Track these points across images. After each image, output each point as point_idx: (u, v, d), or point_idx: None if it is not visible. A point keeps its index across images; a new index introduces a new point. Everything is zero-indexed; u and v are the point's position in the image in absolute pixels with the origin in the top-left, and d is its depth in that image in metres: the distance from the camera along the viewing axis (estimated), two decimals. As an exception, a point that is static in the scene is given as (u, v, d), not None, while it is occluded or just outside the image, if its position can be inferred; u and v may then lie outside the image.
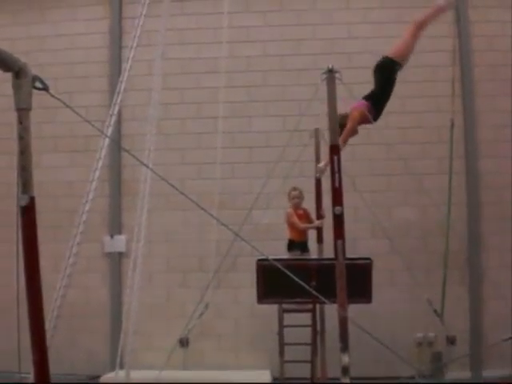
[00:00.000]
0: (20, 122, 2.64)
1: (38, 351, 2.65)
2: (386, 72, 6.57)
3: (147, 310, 8.69)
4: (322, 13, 10.13)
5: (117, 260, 9.86)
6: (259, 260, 7.41)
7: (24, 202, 2.62)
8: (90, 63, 10.37)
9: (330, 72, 5.24)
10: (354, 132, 6.40)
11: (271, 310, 8.41)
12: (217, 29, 9.06)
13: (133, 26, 9.81)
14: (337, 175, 5.00)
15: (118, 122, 9.11)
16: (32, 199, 2.63)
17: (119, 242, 9.90)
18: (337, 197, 5.08)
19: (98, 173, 3.97)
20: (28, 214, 2.63)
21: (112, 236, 9.91)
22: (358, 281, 6.72)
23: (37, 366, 2.66)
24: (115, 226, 9.96)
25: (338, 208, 5.09)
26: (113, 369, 9.45)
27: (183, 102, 9.96)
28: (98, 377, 9.00)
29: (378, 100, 6.47)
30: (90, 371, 9.64)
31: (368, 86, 9.44)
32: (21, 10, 10.61)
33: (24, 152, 2.64)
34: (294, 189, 8.13)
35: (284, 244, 7.97)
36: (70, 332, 8.80)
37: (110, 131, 3.77)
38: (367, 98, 6.48)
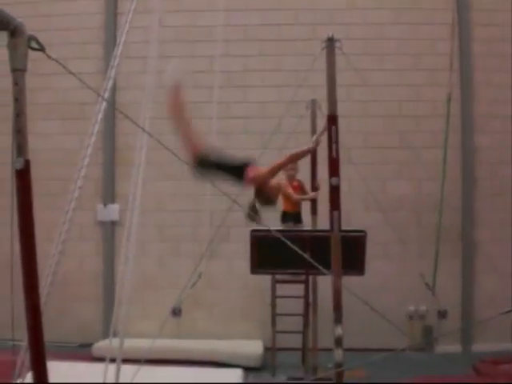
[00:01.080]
0: (15, 84, 2.57)
1: (33, 317, 2.63)
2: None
3: (140, 280, 8.68)
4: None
5: (110, 229, 9.83)
6: (253, 230, 7.42)
7: (19, 165, 2.57)
8: (85, 29, 10.21)
9: (330, 41, 5.16)
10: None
11: (264, 280, 8.45)
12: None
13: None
14: (334, 146, 4.96)
15: (113, 90, 9.01)
16: (27, 162, 2.58)
17: (112, 211, 9.86)
18: (334, 167, 5.05)
19: (93, 138, 3.90)
20: (23, 178, 2.58)
21: (105, 205, 9.87)
22: (351, 253, 6.73)
23: (31, 332, 2.64)
24: (108, 195, 9.91)
25: (334, 179, 5.07)
26: (105, 337, 9.49)
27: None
28: (91, 345, 9.02)
29: None
30: (82, 339, 9.67)
31: (366, 57, 9.45)
32: (14, -27, 10.40)
33: (19, 114, 2.58)
34: (287, 160, 8.08)
35: (278, 215, 7.95)
36: (62, 300, 8.80)
37: (106, 95, 3.69)
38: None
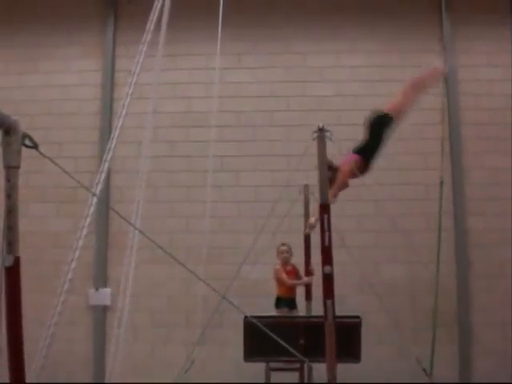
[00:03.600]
0: (8, 180, 2.60)
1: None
2: (381, 127, 6.50)
3: (131, 365, 8.49)
4: (312, 70, 10.28)
5: (101, 313, 9.67)
6: (246, 317, 7.31)
7: (8, 262, 2.55)
8: (82, 114, 10.40)
9: (321, 131, 5.26)
10: (344, 186, 6.29)
11: (258, 367, 8.25)
12: (208, 84, 9.18)
13: (125, 79, 10.05)
14: (327, 234, 4.96)
15: (108, 173, 9.09)
16: (17, 259, 2.57)
17: (104, 295, 9.73)
18: (327, 256, 5.03)
19: (85, 230, 3.90)
20: (12, 275, 2.57)
21: (97, 289, 9.75)
22: (346, 339, 6.62)
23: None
24: (100, 279, 9.81)
25: (327, 267, 5.05)
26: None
27: (173, 155, 9.98)
28: None
29: (369, 154, 6.34)
30: None
31: (356, 142, 9.59)
32: (14, 59, 10.69)
33: (11, 211, 2.59)
34: (283, 244, 8.11)
35: (273, 300, 7.88)
36: (51, 386, 8.55)
37: (98, 189, 3.71)
38: (358, 151, 6.33)
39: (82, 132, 10.33)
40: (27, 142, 2.59)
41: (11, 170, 2.58)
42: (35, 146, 2.61)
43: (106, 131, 10.07)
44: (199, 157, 9.35)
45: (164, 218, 9.65)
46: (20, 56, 10.70)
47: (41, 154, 2.63)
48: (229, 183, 9.82)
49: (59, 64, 10.65)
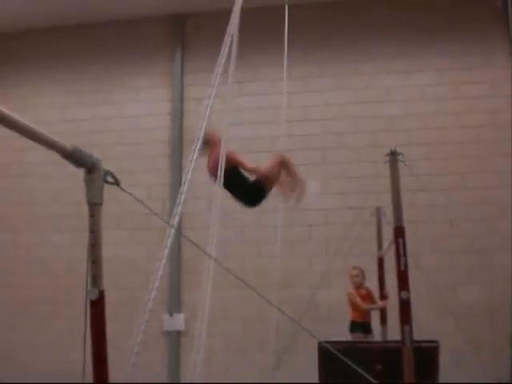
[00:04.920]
0: (91, 216, 2.67)
1: None
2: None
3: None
4: (380, 90, 10.20)
5: (175, 338, 9.77)
6: (321, 342, 7.24)
7: (93, 296, 2.62)
8: (152, 143, 10.65)
9: (393, 154, 5.20)
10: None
11: (333, 392, 8.15)
12: (275, 108, 9.23)
13: (194, 106, 10.24)
14: (402, 258, 4.88)
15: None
16: (101, 293, 2.64)
17: (178, 321, 9.85)
18: (403, 281, 4.95)
19: (163, 261, 3.97)
20: (97, 308, 2.63)
21: (171, 314, 9.87)
22: (424, 364, 6.47)
23: None
24: (174, 304, 9.93)
25: (404, 292, 4.96)
26: None
27: None
28: None
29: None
30: None
31: (429, 162, 9.44)
32: (85, 91, 11.08)
33: (94, 245, 2.67)
34: (354, 268, 8.02)
35: (347, 324, 7.78)
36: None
37: (175, 221, 3.79)
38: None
39: (153, 160, 10.57)
40: (109, 178, 2.66)
41: (94, 206, 2.66)
42: (117, 183, 2.68)
43: (176, 159, 10.29)
44: None
45: (236, 243, 9.70)
46: (91, 88, 11.09)
47: (123, 190, 2.70)
48: (299, 207, 9.76)
49: (129, 94, 10.98)
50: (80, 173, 2.65)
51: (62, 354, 10.28)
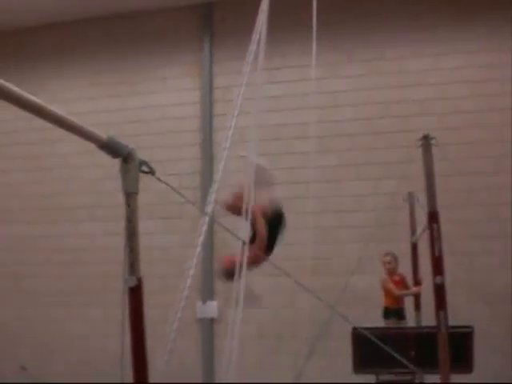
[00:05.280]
0: (128, 205, 2.71)
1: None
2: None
3: (239, 378, 8.58)
4: (410, 74, 10.07)
5: (209, 325, 9.85)
6: (354, 328, 7.25)
7: (132, 283, 2.66)
8: (183, 132, 10.69)
9: (426, 139, 5.16)
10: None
11: (367, 380, 8.14)
12: (305, 95, 9.20)
13: (223, 95, 10.26)
14: (437, 243, 4.85)
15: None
16: (139, 280, 2.68)
17: (211, 308, 9.93)
18: (437, 266, 4.92)
19: (198, 249, 4.00)
20: (135, 295, 2.68)
21: (204, 302, 9.95)
22: (458, 349, 6.45)
23: None
24: (207, 292, 10.01)
25: (438, 277, 4.94)
26: None
27: (275, 168, 9.97)
28: None
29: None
30: None
31: (462, 146, 9.33)
32: (114, 83, 11.16)
33: (132, 234, 2.70)
34: (386, 254, 7.99)
35: (380, 310, 7.76)
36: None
37: (210, 208, 3.81)
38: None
39: (184, 149, 10.62)
40: (144, 168, 2.69)
41: (131, 195, 2.69)
42: (152, 173, 2.71)
43: (206, 148, 10.33)
44: (300, 168, 9.35)
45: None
46: (121, 79, 11.17)
47: (158, 179, 2.73)
48: (330, 193, 9.75)
49: (158, 85, 11.02)
50: (112, 162, 2.69)
51: (99, 343, 10.47)
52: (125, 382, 3.22)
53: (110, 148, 2.58)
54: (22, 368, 10.46)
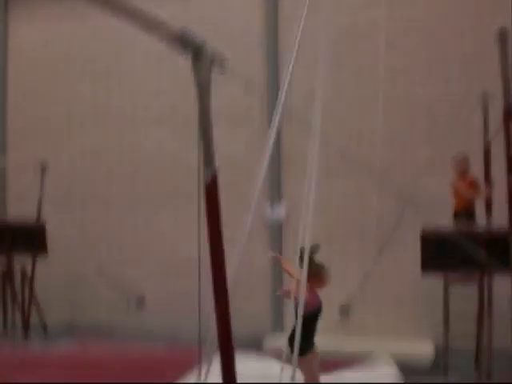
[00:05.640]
0: (201, 100, 2.72)
1: (222, 308, 2.80)
2: None
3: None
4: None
5: (278, 228, 10.01)
6: (424, 230, 7.25)
7: (208, 175, 2.71)
8: (247, 35, 10.50)
9: (502, 33, 4.89)
10: None
11: (434, 280, 8.18)
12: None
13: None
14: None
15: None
16: (215, 173, 2.73)
17: (280, 211, 10.06)
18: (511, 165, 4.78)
19: (268, 153, 4.04)
20: (211, 187, 2.73)
21: (273, 205, 10.08)
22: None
23: (220, 321, 2.80)
24: (276, 195, 10.11)
25: (512, 176, 4.81)
26: (273, 331, 9.77)
27: (342, 65, 9.66)
28: (259, 339, 9.30)
29: None
30: (251, 334, 9.97)
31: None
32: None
33: (206, 129, 2.73)
34: (459, 155, 7.82)
35: (450, 213, 7.69)
36: (232, 297, 9.12)
37: (277, 118, 3.81)
38: None
39: (249, 53, 10.46)
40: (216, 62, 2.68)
41: (203, 89, 2.71)
42: (223, 65, 2.70)
43: (271, 52, 10.16)
44: (370, 66, 9.03)
45: (334, 134, 9.60)
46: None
47: (221, 73, 2.71)
48: (401, 94, 9.45)
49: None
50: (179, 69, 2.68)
51: (172, 246, 10.86)
52: (201, 283, 3.34)
53: (183, 40, 2.57)
54: (99, 270, 11.01)
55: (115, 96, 11.39)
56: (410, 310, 9.38)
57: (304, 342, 4.94)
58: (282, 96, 3.95)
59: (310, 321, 5.18)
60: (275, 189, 10.11)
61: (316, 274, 5.21)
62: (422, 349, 8.68)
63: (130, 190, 11.24)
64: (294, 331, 5.03)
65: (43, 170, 10.35)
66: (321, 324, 7.81)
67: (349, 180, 9.47)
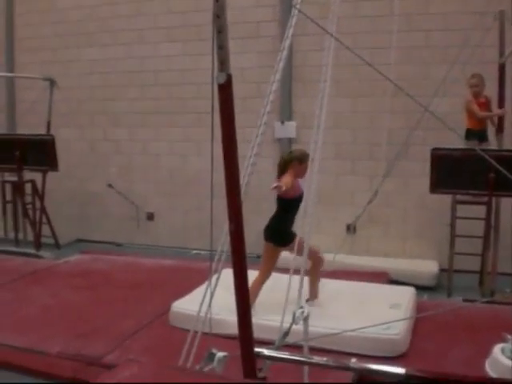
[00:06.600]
0: (216, 0, 2.66)
1: (236, 221, 2.83)
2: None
3: (316, 196, 8.80)
4: None
5: (287, 145, 9.97)
6: (434, 149, 7.22)
7: (222, 79, 2.69)
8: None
9: None
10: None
11: (441, 200, 8.22)
12: None
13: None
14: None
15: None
16: (229, 77, 2.70)
17: (290, 128, 10.01)
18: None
19: (278, 75, 3.98)
20: (225, 91, 2.72)
21: (283, 122, 10.02)
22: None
23: (234, 236, 2.84)
24: (286, 112, 10.03)
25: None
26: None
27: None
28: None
29: None
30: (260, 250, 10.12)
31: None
32: None
33: (221, 31, 2.68)
34: (473, 76, 7.72)
35: (462, 133, 7.64)
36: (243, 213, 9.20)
37: (293, 23, 3.73)
38: None
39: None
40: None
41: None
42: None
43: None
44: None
45: (347, 50, 9.42)
46: None
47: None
48: (416, 11, 9.17)
49: None
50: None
51: (179, 162, 10.90)
52: (213, 198, 3.37)
53: None
54: (110, 186, 11.13)
55: (123, 6, 11.18)
56: (416, 229, 9.47)
57: (282, 229, 5.87)
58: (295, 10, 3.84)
59: (291, 207, 5.73)
60: (286, 106, 10.02)
61: (302, 161, 5.72)
62: (427, 268, 8.78)
63: (140, 105, 11.19)
64: (271, 220, 5.91)
65: (52, 85, 10.32)
66: (327, 241, 7.96)
67: (359, 98, 9.41)
